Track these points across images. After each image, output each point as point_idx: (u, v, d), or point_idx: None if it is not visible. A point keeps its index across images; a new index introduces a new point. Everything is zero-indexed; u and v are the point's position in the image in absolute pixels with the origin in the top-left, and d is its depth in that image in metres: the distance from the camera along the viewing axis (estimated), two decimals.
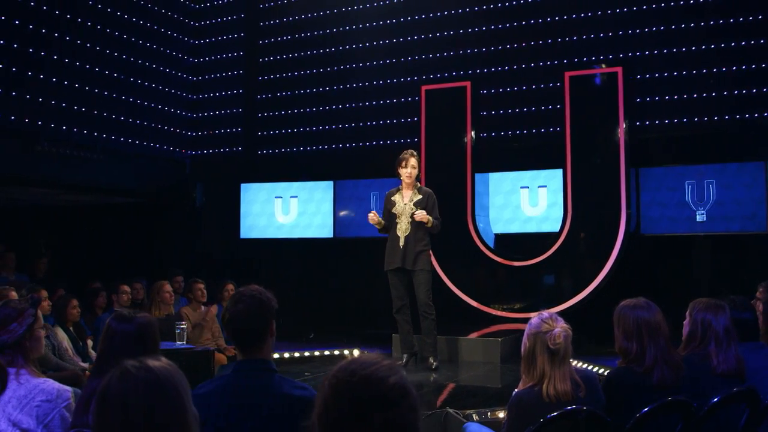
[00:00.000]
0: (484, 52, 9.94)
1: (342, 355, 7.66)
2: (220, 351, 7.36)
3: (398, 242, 6.45)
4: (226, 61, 11.67)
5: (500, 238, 9.66)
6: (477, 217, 9.26)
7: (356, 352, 7.74)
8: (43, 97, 9.05)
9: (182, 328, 5.77)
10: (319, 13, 10.98)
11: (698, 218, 8.54)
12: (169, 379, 1.60)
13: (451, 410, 4.42)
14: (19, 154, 8.78)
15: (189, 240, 11.41)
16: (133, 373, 1.57)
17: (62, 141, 9.18)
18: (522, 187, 9.58)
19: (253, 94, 11.44)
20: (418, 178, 6.71)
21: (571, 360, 3.25)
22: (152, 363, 1.62)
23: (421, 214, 6.36)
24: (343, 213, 10.49)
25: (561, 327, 3.20)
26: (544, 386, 3.13)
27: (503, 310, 8.93)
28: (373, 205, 10.24)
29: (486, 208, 9.63)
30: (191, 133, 11.67)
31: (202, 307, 7.94)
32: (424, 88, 9.59)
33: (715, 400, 3.54)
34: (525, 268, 8.95)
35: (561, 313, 9.02)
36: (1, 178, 8.77)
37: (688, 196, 8.61)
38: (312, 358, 7.52)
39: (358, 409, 1.45)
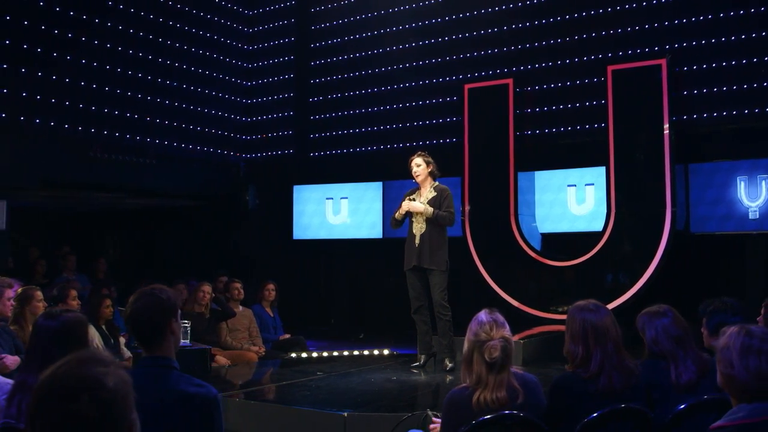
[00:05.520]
0: (526, 48, 9.75)
1: (371, 356, 7.65)
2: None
3: (414, 241, 6.44)
4: (278, 65, 11.88)
5: (548, 237, 9.45)
6: (521, 216, 9.09)
7: (386, 352, 7.73)
8: (96, 105, 9.45)
9: (185, 326, 5.93)
10: (366, 16, 11.04)
11: (751, 215, 8.09)
12: None
13: (430, 412, 4.36)
14: (74, 161, 9.20)
15: (242, 241, 11.68)
16: None
17: (115, 146, 9.56)
18: (569, 185, 9.33)
19: (304, 97, 11.60)
20: (436, 177, 6.69)
21: (511, 366, 3.12)
22: None
23: (411, 205, 6.36)
24: None
25: (500, 337, 3.05)
26: (478, 393, 3.02)
27: (546, 310, 8.73)
28: None
29: (531, 207, 9.43)
30: (245, 137, 11.94)
31: (240, 307, 8.14)
32: (467, 86, 9.54)
33: (681, 407, 3.35)
34: (568, 268, 8.75)
35: None
36: (56, 184, 9.20)
37: (740, 193, 8.18)
38: (340, 357, 7.55)
39: (39, 403, 1.44)
